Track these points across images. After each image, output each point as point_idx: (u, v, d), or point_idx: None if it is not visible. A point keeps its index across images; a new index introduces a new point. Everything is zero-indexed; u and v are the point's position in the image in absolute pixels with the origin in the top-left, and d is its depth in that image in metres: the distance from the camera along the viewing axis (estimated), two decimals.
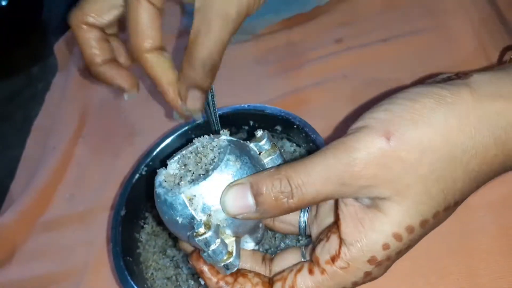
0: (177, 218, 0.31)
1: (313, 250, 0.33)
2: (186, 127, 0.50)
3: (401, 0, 0.68)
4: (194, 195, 0.31)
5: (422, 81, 0.34)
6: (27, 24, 0.87)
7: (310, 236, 0.36)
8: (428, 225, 0.30)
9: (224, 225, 0.31)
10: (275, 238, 0.46)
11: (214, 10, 0.37)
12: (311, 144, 0.48)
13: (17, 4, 0.83)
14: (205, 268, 0.33)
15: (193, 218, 0.31)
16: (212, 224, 0.31)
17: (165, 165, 0.34)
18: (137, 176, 0.48)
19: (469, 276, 0.42)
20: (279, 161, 0.35)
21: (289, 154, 0.51)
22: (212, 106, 0.42)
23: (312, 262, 0.32)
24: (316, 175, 0.29)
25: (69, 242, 0.56)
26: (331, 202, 0.34)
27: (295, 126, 0.48)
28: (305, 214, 0.36)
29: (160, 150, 0.49)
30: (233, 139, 0.34)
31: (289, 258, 0.35)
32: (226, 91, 0.63)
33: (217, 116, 0.42)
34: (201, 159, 0.33)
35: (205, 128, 0.41)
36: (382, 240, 0.29)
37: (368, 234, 0.29)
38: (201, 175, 0.32)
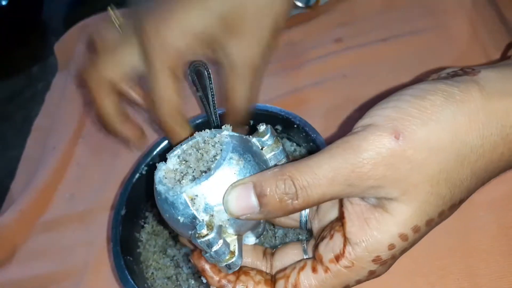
0: (179, 218, 0.31)
1: (316, 247, 0.32)
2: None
3: (401, 0, 0.68)
4: (196, 195, 0.30)
5: (426, 76, 0.34)
6: (27, 24, 0.87)
7: (311, 230, 0.36)
8: (433, 224, 0.30)
9: (227, 225, 0.31)
10: (275, 237, 0.46)
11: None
12: (311, 144, 0.48)
13: (17, 4, 0.83)
14: (207, 267, 0.33)
15: (195, 218, 0.30)
16: (214, 225, 0.30)
17: (165, 159, 0.34)
18: (137, 175, 0.48)
19: (469, 275, 0.42)
20: (282, 156, 0.34)
21: (289, 154, 0.51)
22: (212, 105, 0.41)
23: (315, 260, 0.32)
24: (322, 176, 0.28)
25: (69, 241, 0.56)
26: None
27: (295, 126, 0.48)
28: (307, 209, 0.35)
29: (160, 150, 0.49)
30: (235, 134, 0.33)
31: (290, 253, 0.35)
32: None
33: (217, 115, 0.42)
34: (202, 155, 0.32)
35: (206, 128, 0.41)
36: (388, 240, 0.29)
37: (374, 234, 0.29)
38: (203, 173, 0.31)
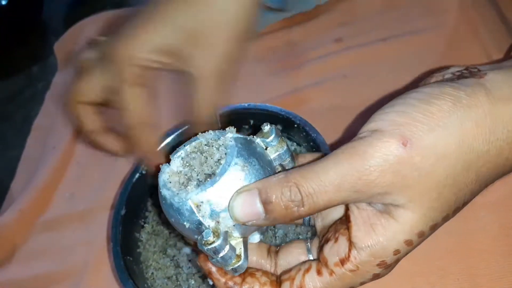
0: (185, 223, 0.31)
1: (320, 249, 0.32)
2: (187, 126, 0.50)
3: (401, 0, 0.68)
4: (202, 202, 0.30)
5: (429, 75, 0.34)
6: (27, 24, 0.87)
7: (314, 227, 0.36)
8: (437, 227, 0.30)
9: (233, 230, 0.31)
10: (275, 237, 0.46)
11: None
12: (311, 143, 0.48)
13: (17, 4, 0.83)
14: (214, 269, 0.33)
15: (200, 224, 0.30)
16: (220, 231, 0.30)
17: (168, 160, 0.33)
18: (137, 175, 0.48)
19: (469, 276, 0.42)
20: (287, 156, 0.34)
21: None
22: None
23: (320, 262, 0.32)
24: (328, 183, 0.28)
25: (69, 241, 0.56)
26: None
27: (295, 125, 0.48)
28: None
29: (160, 149, 0.49)
30: (239, 136, 0.33)
31: (295, 252, 0.35)
32: None
33: (217, 117, 0.42)
34: (206, 159, 0.32)
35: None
36: (393, 247, 0.29)
37: (380, 241, 0.29)
38: (208, 178, 0.31)
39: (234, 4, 0.41)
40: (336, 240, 0.31)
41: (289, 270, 0.33)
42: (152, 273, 0.46)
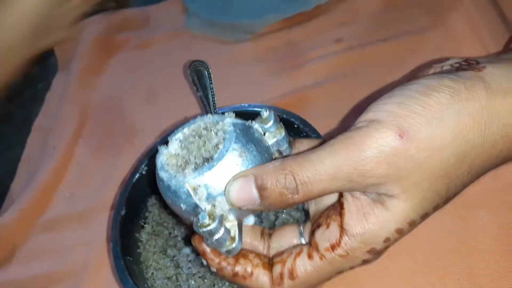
0: (181, 205, 0.31)
1: (312, 234, 0.33)
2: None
3: (401, 0, 0.68)
4: (199, 185, 0.30)
5: (428, 66, 0.34)
6: None
7: (307, 211, 0.37)
8: (427, 216, 0.30)
9: (228, 213, 0.32)
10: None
11: None
12: None
13: None
14: (208, 250, 0.34)
15: (197, 206, 0.31)
16: (216, 214, 0.31)
17: (166, 143, 0.34)
18: (137, 175, 0.48)
19: (469, 276, 0.42)
20: (285, 142, 0.35)
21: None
22: (212, 105, 0.41)
23: (311, 246, 0.32)
24: (323, 172, 0.28)
25: (69, 241, 0.56)
26: None
27: (295, 126, 0.48)
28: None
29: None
30: (238, 121, 0.33)
31: (287, 235, 0.36)
32: (226, 91, 0.64)
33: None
34: (204, 143, 0.32)
35: None
36: (384, 235, 0.30)
37: (372, 229, 0.30)
38: (205, 162, 0.31)
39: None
40: (328, 226, 0.32)
41: (281, 253, 0.34)
42: (152, 273, 0.46)
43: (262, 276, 0.33)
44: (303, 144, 0.37)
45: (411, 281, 0.43)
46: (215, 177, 0.30)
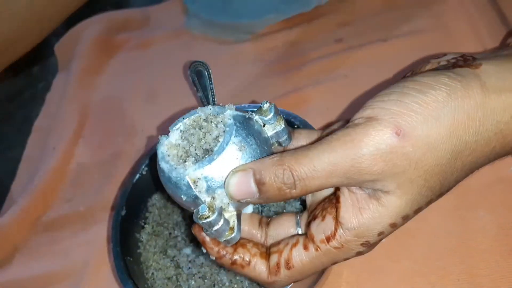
0: (182, 196, 0.32)
1: (308, 225, 0.34)
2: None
3: (401, 0, 0.68)
4: (199, 178, 0.31)
5: (425, 61, 0.34)
6: None
7: (304, 201, 0.38)
8: (420, 210, 0.31)
9: (227, 205, 0.32)
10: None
11: None
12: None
13: None
14: (207, 239, 0.34)
15: (197, 198, 0.31)
16: (216, 206, 0.31)
17: (167, 133, 0.34)
18: (137, 176, 0.48)
19: (469, 276, 0.42)
20: (284, 134, 0.35)
21: None
22: (211, 101, 0.41)
23: (307, 238, 0.33)
24: (320, 169, 0.29)
25: (70, 242, 0.56)
26: None
27: (295, 126, 0.48)
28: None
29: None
30: (238, 113, 0.33)
31: (285, 225, 0.37)
32: (226, 91, 0.64)
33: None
34: (205, 134, 0.33)
35: None
36: (378, 229, 0.30)
37: (366, 223, 0.30)
38: (206, 155, 0.32)
39: None
40: (323, 218, 0.33)
41: (278, 243, 0.35)
42: (152, 274, 0.46)
43: (259, 265, 0.34)
44: (301, 134, 0.38)
45: (411, 281, 0.43)
46: (215, 171, 0.31)
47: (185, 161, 0.32)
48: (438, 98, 0.28)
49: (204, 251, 0.35)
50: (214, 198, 0.32)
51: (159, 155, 0.33)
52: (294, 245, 0.34)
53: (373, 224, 0.30)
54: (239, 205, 0.33)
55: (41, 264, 0.55)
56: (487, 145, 0.29)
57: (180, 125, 0.34)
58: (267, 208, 0.46)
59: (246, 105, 0.50)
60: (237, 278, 0.43)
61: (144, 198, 0.50)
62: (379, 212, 0.30)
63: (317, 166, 0.29)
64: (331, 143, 0.29)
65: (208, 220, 0.31)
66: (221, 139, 0.32)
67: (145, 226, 0.49)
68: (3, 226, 0.57)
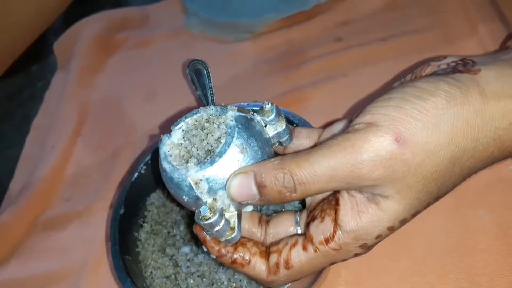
0: (183, 197, 0.32)
1: (307, 226, 0.34)
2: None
3: (401, 0, 0.68)
4: (201, 179, 0.31)
5: (425, 63, 0.34)
6: None
7: (303, 200, 0.38)
8: (418, 214, 0.32)
9: (228, 206, 0.33)
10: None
11: None
12: None
13: None
14: (208, 238, 0.35)
15: (198, 199, 0.32)
16: (217, 208, 0.32)
17: (169, 132, 0.35)
18: (136, 174, 0.48)
19: (468, 275, 0.42)
20: (285, 134, 0.35)
21: None
22: (211, 104, 0.41)
23: (306, 238, 0.34)
24: (321, 174, 0.29)
25: (68, 241, 0.56)
26: None
27: (295, 125, 0.48)
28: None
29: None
30: (240, 115, 0.34)
31: (284, 224, 0.37)
32: (225, 90, 0.64)
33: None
34: (207, 135, 0.33)
35: None
36: (377, 232, 0.31)
37: (365, 227, 0.31)
38: (207, 157, 0.32)
39: None
40: (322, 220, 0.33)
41: (278, 242, 0.35)
42: (151, 272, 0.46)
43: (259, 264, 0.35)
44: (302, 134, 0.38)
45: (410, 280, 0.43)
46: (217, 172, 0.31)
47: (187, 162, 0.33)
48: (438, 105, 0.29)
49: (205, 249, 0.36)
50: (215, 199, 0.32)
51: (161, 155, 0.34)
52: (293, 245, 0.34)
53: (372, 227, 0.31)
54: (240, 206, 0.33)
55: (39, 263, 0.55)
56: (485, 151, 0.30)
57: (182, 125, 0.35)
58: (266, 207, 0.46)
59: (245, 104, 0.50)
60: (236, 276, 0.43)
61: (142, 196, 0.50)
62: (377, 216, 0.30)
63: (318, 171, 0.29)
64: (331, 148, 0.29)
65: (209, 221, 0.31)
66: (223, 141, 0.32)
67: (143, 224, 0.49)
68: (1, 225, 0.57)
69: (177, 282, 0.44)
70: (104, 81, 0.73)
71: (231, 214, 0.33)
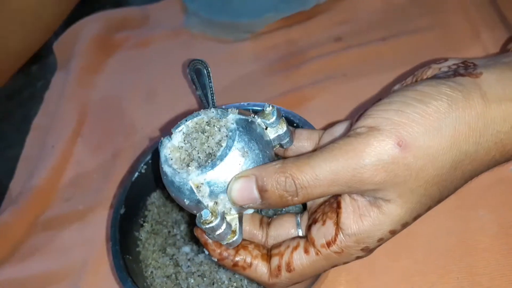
0: (185, 200, 0.32)
1: (308, 229, 0.34)
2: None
3: (401, 0, 0.68)
4: (202, 183, 0.31)
5: (426, 66, 0.34)
6: None
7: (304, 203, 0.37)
8: (419, 217, 0.32)
9: (230, 209, 0.32)
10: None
11: None
12: None
13: None
14: (209, 241, 0.35)
15: (200, 202, 0.32)
16: (218, 211, 0.32)
17: (170, 134, 0.34)
18: (136, 174, 0.48)
19: (469, 274, 0.42)
20: (286, 137, 0.35)
21: None
22: (211, 104, 0.41)
23: (308, 241, 0.33)
24: (322, 178, 0.29)
25: (69, 241, 0.56)
26: None
27: (295, 125, 0.48)
28: None
29: None
30: (241, 117, 0.34)
31: (285, 226, 0.37)
32: (225, 90, 0.64)
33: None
34: (207, 138, 0.33)
35: None
36: (378, 236, 0.31)
37: (367, 230, 0.31)
38: (208, 160, 0.32)
39: None
40: (324, 222, 0.33)
41: (279, 245, 0.35)
42: (151, 272, 0.46)
43: (260, 267, 0.35)
44: (302, 135, 0.38)
45: (411, 280, 0.43)
46: (218, 176, 0.31)
47: (188, 165, 0.32)
48: (440, 109, 0.29)
49: (206, 252, 0.35)
50: (216, 203, 0.32)
51: (162, 158, 0.33)
52: (295, 248, 0.34)
53: (374, 231, 0.31)
54: (241, 209, 0.33)
55: (40, 263, 0.55)
56: (487, 154, 0.30)
57: (182, 128, 0.35)
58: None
59: (245, 104, 0.50)
60: (236, 276, 0.43)
61: (143, 196, 0.50)
62: (379, 219, 0.30)
63: (319, 175, 0.29)
64: (333, 152, 0.29)
65: (211, 225, 0.31)
66: (223, 144, 0.32)
67: (144, 224, 0.49)
68: (1, 225, 0.57)
69: (178, 281, 0.44)
70: (104, 81, 0.73)
71: (232, 217, 0.33)
